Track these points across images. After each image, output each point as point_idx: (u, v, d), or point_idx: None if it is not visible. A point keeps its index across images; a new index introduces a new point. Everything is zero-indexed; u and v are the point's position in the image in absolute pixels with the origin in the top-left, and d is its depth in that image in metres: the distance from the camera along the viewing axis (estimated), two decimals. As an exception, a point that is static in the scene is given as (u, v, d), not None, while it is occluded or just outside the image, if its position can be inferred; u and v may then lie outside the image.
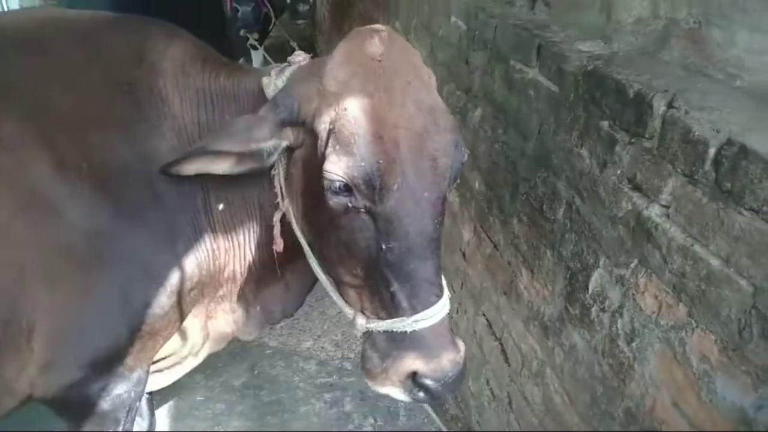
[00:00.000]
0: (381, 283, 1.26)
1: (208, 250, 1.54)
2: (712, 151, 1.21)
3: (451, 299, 1.34)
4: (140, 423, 2.28)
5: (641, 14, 1.64)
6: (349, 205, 1.22)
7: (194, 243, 1.50)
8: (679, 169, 1.31)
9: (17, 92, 1.38)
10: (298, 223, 1.43)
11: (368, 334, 1.33)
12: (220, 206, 1.51)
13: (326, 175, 1.21)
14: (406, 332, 1.24)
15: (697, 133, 1.25)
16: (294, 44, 4.46)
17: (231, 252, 1.59)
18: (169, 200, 1.45)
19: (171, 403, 2.69)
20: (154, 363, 1.66)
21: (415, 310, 1.23)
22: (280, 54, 4.56)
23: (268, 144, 1.30)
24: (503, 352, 2.28)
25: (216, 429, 2.62)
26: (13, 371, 1.41)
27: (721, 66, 1.39)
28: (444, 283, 1.31)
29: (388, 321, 1.26)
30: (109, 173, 1.39)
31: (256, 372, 2.94)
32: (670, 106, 1.34)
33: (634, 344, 1.49)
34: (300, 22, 4.75)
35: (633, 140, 1.45)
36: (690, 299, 1.30)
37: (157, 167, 1.39)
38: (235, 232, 1.55)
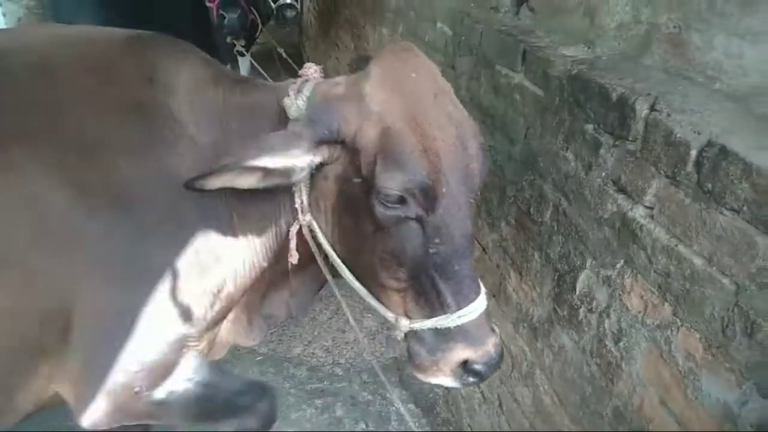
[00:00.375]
0: (426, 284, 1.34)
1: (236, 259, 1.56)
2: (693, 153, 1.24)
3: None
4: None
5: (623, 19, 1.68)
6: (402, 215, 1.29)
7: (215, 255, 1.51)
8: (662, 171, 1.33)
9: (29, 116, 1.38)
10: (327, 235, 1.46)
11: (411, 333, 1.40)
12: (238, 219, 1.53)
13: (381, 190, 1.27)
14: (450, 327, 1.33)
15: (678, 135, 1.27)
16: (281, 50, 4.47)
17: (248, 263, 1.61)
18: (189, 216, 1.46)
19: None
20: None
21: (459, 307, 1.33)
22: (267, 60, 4.57)
23: (303, 161, 1.32)
24: (493, 354, 2.29)
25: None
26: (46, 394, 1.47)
27: (701, 69, 1.42)
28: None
29: (434, 319, 1.35)
30: (125, 194, 1.40)
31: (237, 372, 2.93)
32: (652, 109, 1.36)
33: (621, 344, 1.51)
34: (287, 28, 4.75)
35: (617, 143, 1.48)
36: (675, 298, 1.32)
37: (175, 185, 1.38)
38: (252, 243, 1.57)
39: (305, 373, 3.02)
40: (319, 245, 1.48)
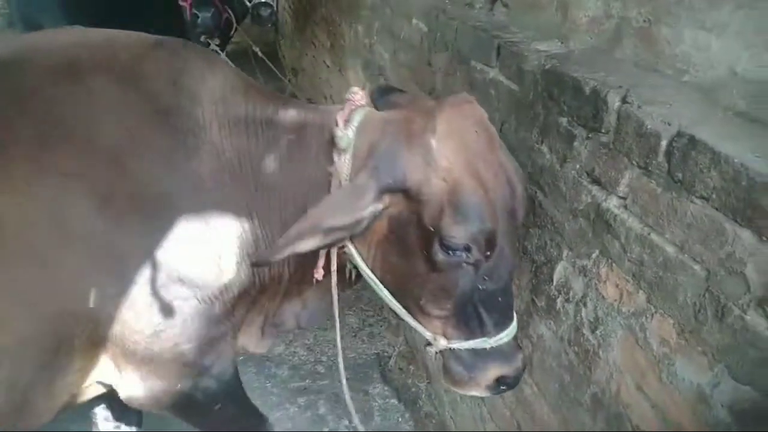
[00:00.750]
0: (469, 313, 1.44)
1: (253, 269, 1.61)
2: (664, 144, 1.27)
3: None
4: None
5: (595, 14, 1.71)
6: (463, 261, 1.38)
7: (237, 259, 1.54)
8: (634, 162, 1.36)
9: (55, 120, 1.38)
10: (366, 260, 1.51)
11: (448, 350, 1.51)
12: (260, 225, 1.57)
13: (448, 239, 1.34)
14: (486, 348, 1.46)
15: (649, 127, 1.30)
16: (256, 49, 4.44)
17: (271, 272, 1.66)
18: (212, 222, 1.49)
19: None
20: None
21: (497, 332, 1.45)
22: (242, 59, 4.53)
23: (369, 211, 1.35)
24: (474, 347, 2.31)
25: None
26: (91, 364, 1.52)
27: (670, 62, 1.46)
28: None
29: (473, 341, 1.45)
30: (151, 200, 1.43)
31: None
32: (624, 101, 1.39)
33: (598, 332, 1.54)
34: (263, 26, 4.72)
35: (590, 135, 1.51)
36: (649, 286, 1.36)
37: (197, 190, 1.46)
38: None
39: (287, 372, 3.01)
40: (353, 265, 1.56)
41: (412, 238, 1.40)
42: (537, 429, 1.88)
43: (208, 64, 1.58)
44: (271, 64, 4.52)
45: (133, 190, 1.41)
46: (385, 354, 3.20)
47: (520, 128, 1.83)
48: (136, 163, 1.42)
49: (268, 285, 1.67)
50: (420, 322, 1.51)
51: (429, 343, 1.53)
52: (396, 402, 2.91)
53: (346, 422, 2.77)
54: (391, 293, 1.51)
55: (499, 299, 1.43)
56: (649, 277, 1.35)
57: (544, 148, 1.71)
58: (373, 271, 1.51)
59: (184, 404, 1.67)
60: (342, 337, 3.15)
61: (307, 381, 2.96)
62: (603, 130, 1.45)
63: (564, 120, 1.61)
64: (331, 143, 1.46)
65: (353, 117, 1.47)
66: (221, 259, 1.51)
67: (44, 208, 1.33)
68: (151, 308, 1.45)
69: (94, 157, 1.39)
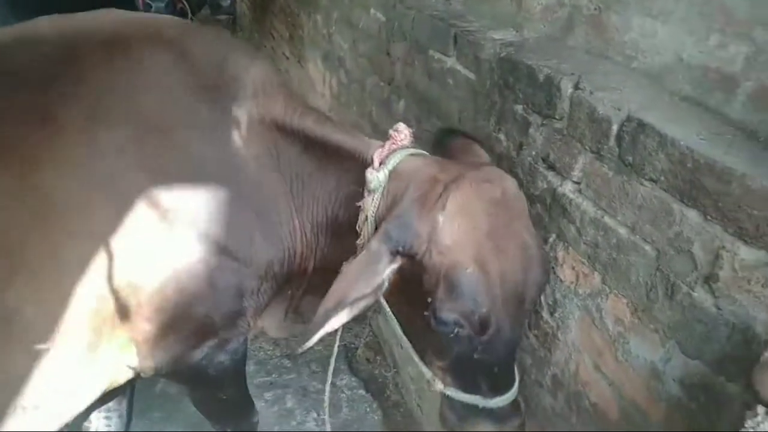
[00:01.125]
0: (467, 371, 1.41)
1: (287, 250, 1.66)
2: (614, 128, 1.30)
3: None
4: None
5: (548, 2, 1.73)
6: (455, 333, 1.34)
7: (276, 241, 1.62)
8: (587, 147, 1.40)
9: (108, 96, 1.42)
10: (385, 296, 1.49)
11: (444, 395, 1.48)
12: (296, 211, 1.64)
13: (439, 314, 1.33)
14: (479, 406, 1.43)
15: (601, 112, 1.33)
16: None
17: (304, 257, 1.70)
18: (254, 199, 1.56)
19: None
20: None
21: (494, 395, 1.41)
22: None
23: (387, 273, 1.38)
24: (439, 334, 2.34)
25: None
26: (125, 351, 1.53)
27: (620, 49, 1.49)
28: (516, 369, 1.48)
29: (468, 396, 1.42)
30: (196, 174, 1.48)
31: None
32: (576, 87, 1.42)
33: (556, 314, 1.58)
34: (221, 17, 4.61)
35: (545, 122, 1.53)
36: (603, 267, 1.39)
37: (240, 171, 1.52)
38: (311, 240, 1.68)
39: (253, 367, 2.98)
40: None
41: (415, 295, 1.41)
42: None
43: (252, 55, 1.66)
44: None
45: (180, 164, 1.46)
46: (352, 345, 3.20)
47: (478, 117, 1.85)
48: (183, 137, 1.47)
49: (294, 275, 1.73)
50: (423, 362, 1.52)
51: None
52: (363, 392, 2.91)
53: (315, 415, 2.76)
54: (401, 328, 1.53)
55: (497, 367, 1.40)
56: (603, 259, 1.39)
57: (501, 136, 1.73)
58: (387, 303, 1.52)
59: (194, 377, 1.71)
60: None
61: (273, 376, 2.93)
62: (557, 117, 1.48)
63: (519, 107, 1.63)
64: (363, 175, 1.48)
65: (389, 159, 1.48)
66: (257, 238, 1.57)
67: (100, 181, 1.37)
68: (194, 278, 1.49)
69: (145, 129, 1.43)
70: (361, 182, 1.48)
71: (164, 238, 1.44)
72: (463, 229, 1.33)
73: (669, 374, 1.23)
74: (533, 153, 1.59)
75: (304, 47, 4.03)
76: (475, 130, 1.87)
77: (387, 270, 1.38)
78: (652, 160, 1.21)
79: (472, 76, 1.86)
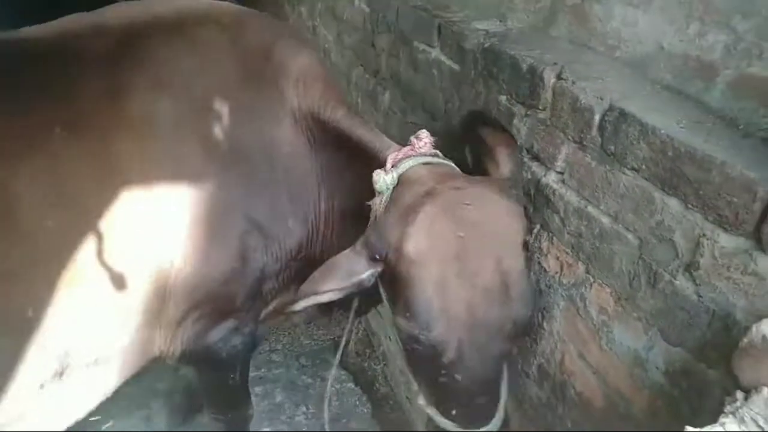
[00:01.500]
0: (441, 394, 1.40)
1: (312, 233, 1.75)
2: (597, 118, 1.30)
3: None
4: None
5: (531, -8, 1.73)
6: (412, 348, 1.35)
7: (303, 225, 1.71)
8: (570, 137, 1.40)
9: (167, 77, 1.54)
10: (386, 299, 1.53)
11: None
12: (327, 196, 1.74)
13: (398, 326, 1.35)
14: None
15: (583, 102, 1.33)
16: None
17: (325, 237, 1.78)
18: (288, 182, 1.65)
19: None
20: None
21: (466, 425, 1.38)
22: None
23: (366, 274, 1.41)
24: (426, 326, 2.34)
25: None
26: (155, 332, 1.62)
27: (602, 39, 1.49)
28: (501, 404, 1.43)
29: (442, 420, 1.41)
30: (241, 152, 1.58)
31: (181, 373, 2.85)
32: (559, 77, 1.42)
33: (541, 304, 1.58)
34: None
35: (529, 112, 1.53)
36: (587, 257, 1.40)
37: (277, 153, 1.62)
38: (335, 221, 1.76)
39: (242, 362, 2.97)
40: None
41: (392, 302, 1.44)
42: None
43: (299, 44, 1.75)
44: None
45: (226, 143, 1.55)
46: (340, 339, 3.20)
47: (463, 107, 1.85)
48: (230, 118, 1.56)
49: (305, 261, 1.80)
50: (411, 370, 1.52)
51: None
52: (353, 386, 2.92)
53: (304, 408, 2.77)
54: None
55: (464, 398, 1.36)
56: (587, 249, 1.39)
57: (486, 127, 1.73)
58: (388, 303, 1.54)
59: (209, 359, 1.77)
60: (297, 325, 3.14)
61: (262, 370, 2.94)
62: (540, 107, 1.48)
63: (503, 98, 1.63)
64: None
65: (401, 164, 1.48)
66: (289, 220, 1.66)
67: (163, 151, 1.48)
68: (230, 254, 1.57)
69: (198, 107, 1.54)
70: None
71: (207, 212, 1.52)
72: (427, 247, 1.31)
73: (652, 362, 1.24)
74: (518, 144, 1.59)
75: (290, 40, 4.00)
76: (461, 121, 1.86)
77: (367, 272, 1.40)
78: (634, 149, 1.21)
79: (456, 66, 1.86)
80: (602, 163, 1.31)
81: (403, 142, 1.58)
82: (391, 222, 1.39)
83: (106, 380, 1.60)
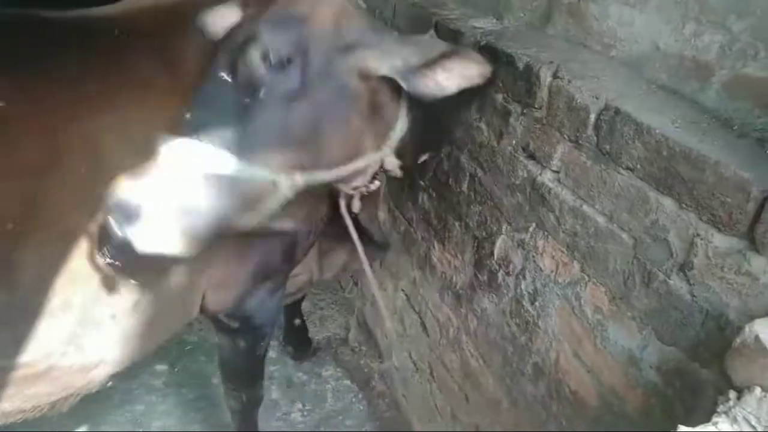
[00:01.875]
0: None
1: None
2: (592, 117, 1.30)
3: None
4: None
5: (528, -9, 1.73)
6: None
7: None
8: (565, 136, 1.40)
9: (175, 53, 1.51)
10: None
11: None
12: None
13: None
14: None
15: (579, 101, 1.33)
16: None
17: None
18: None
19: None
20: None
21: None
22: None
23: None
24: (422, 324, 2.35)
25: (137, 430, 2.52)
26: (195, 294, 1.69)
27: (598, 38, 1.49)
28: None
29: None
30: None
31: (176, 369, 2.85)
32: (555, 76, 1.42)
33: (537, 303, 1.59)
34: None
35: (525, 111, 1.53)
36: (582, 256, 1.40)
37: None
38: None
39: (238, 359, 2.97)
40: None
41: None
42: (483, 400, 1.93)
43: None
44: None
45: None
46: (337, 336, 3.20)
47: (459, 106, 1.85)
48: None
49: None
50: None
51: None
52: (349, 383, 2.92)
53: (300, 405, 2.77)
54: None
55: None
56: (582, 248, 1.40)
57: (482, 125, 1.73)
58: None
59: (244, 323, 1.85)
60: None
61: (258, 367, 2.93)
62: (536, 106, 1.48)
63: (500, 96, 1.62)
64: None
65: None
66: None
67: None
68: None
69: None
70: None
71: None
72: None
73: (646, 361, 1.24)
74: (513, 142, 1.59)
75: (287, 36, 3.98)
76: (456, 120, 1.86)
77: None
78: (629, 148, 1.21)
79: (452, 65, 1.85)
80: (597, 163, 1.31)
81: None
82: None
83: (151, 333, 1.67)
